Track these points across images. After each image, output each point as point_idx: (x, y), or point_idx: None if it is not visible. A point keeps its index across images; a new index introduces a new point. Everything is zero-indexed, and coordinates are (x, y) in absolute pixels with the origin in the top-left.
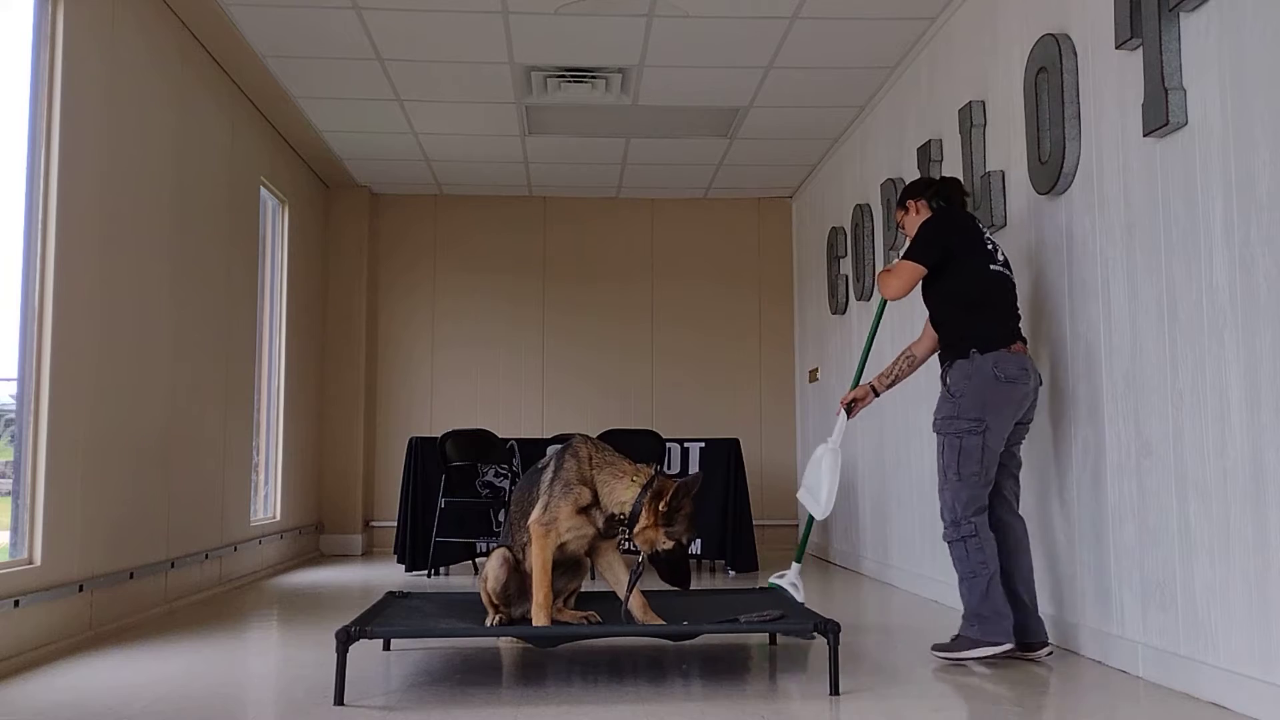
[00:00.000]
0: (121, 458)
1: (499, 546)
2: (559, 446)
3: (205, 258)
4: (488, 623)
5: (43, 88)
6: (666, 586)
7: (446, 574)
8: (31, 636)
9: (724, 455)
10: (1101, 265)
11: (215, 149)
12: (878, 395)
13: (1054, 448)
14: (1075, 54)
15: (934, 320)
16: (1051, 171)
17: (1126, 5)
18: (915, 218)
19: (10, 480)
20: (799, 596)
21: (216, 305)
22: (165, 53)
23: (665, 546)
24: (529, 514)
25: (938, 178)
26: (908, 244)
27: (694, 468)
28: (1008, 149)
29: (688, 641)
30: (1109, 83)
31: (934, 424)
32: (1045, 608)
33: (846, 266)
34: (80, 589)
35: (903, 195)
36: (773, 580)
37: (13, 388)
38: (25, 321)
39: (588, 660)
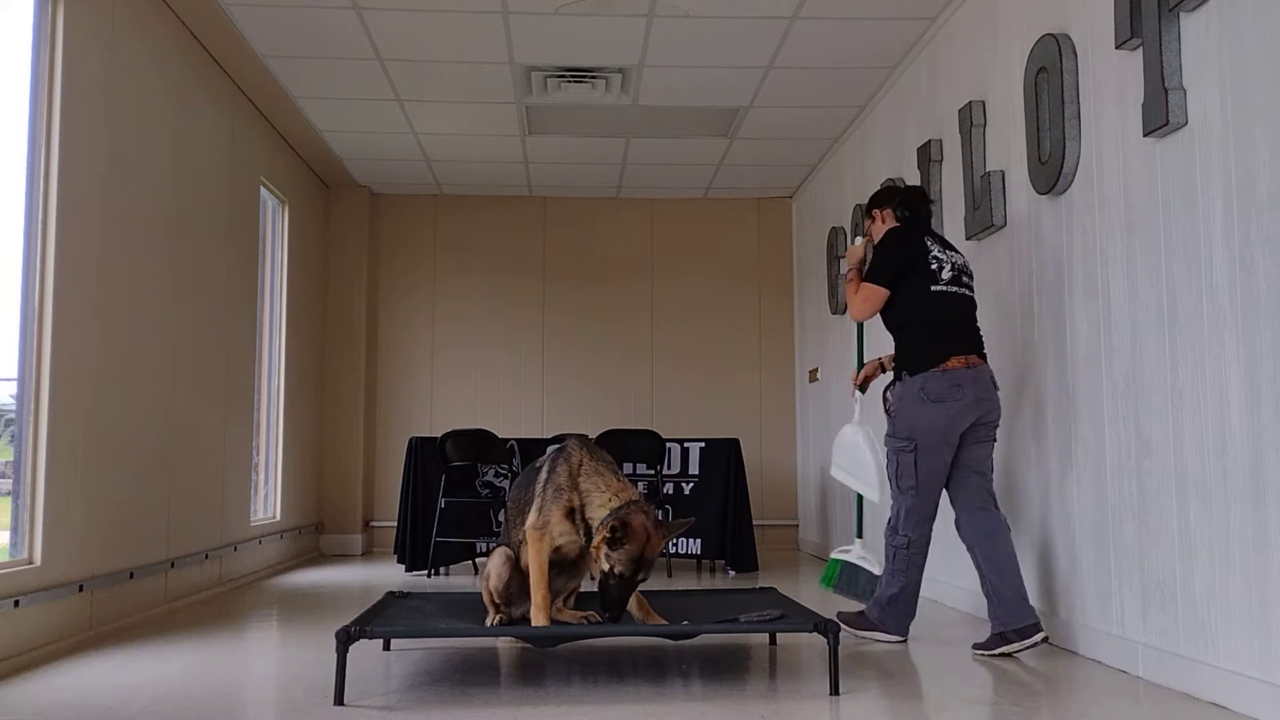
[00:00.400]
0: (121, 458)
1: (500, 544)
2: (556, 447)
3: (205, 258)
4: (488, 623)
5: (43, 88)
6: (665, 587)
7: (446, 574)
8: (31, 636)
9: (724, 455)
10: (1101, 265)
11: (215, 149)
12: (885, 371)
13: (1054, 448)
14: (1075, 54)
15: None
16: (1051, 171)
17: (1126, 5)
18: (881, 226)
19: (10, 480)
20: (875, 570)
21: (216, 305)
22: (165, 53)
23: (602, 568)
24: (525, 512)
25: (902, 186)
26: (869, 257)
27: (694, 468)
28: (1008, 149)
29: (687, 641)
30: (1109, 83)
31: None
32: (1044, 607)
33: (846, 266)
34: (80, 589)
35: (869, 205)
36: (835, 555)
37: (13, 388)
38: (25, 321)
39: (588, 660)
